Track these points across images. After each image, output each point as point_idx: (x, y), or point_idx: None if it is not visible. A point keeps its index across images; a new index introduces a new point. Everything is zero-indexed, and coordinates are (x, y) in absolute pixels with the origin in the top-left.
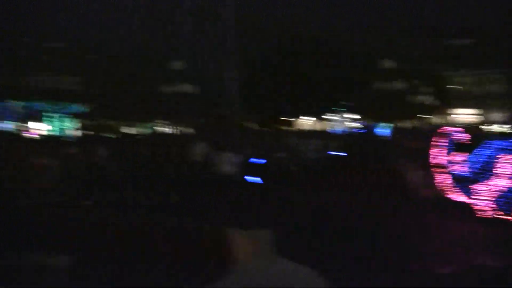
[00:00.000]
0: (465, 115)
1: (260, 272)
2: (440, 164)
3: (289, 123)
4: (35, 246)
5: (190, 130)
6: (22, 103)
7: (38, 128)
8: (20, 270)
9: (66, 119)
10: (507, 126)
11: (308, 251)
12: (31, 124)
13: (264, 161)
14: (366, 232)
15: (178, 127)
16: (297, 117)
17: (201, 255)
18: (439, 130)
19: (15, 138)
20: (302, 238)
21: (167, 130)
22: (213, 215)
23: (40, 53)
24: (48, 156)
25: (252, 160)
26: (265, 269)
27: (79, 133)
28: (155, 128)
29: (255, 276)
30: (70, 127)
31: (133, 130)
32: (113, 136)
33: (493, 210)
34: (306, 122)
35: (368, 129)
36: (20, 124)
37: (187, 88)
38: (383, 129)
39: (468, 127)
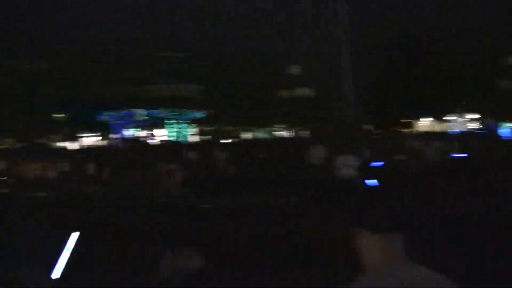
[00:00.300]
0: None
1: (392, 277)
2: None
3: (409, 125)
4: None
5: (309, 134)
6: (145, 111)
7: (161, 135)
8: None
9: (187, 125)
10: None
11: (436, 256)
12: (155, 131)
13: (381, 163)
14: (496, 237)
15: (297, 131)
16: (417, 118)
17: (333, 258)
18: None
19: (140, 144)
20: (430, 242)
21: (286, 134)
22: (336, 219)
23: (162, 63)
24: (171, 161)
25: (373, 163)
26: (397, 274)
27: (199, 138)
28: (275, 132)
29: (387, 280)
30: (191, 133)
31: (253, 135)
32: (233, 140)
33: None
34: (426, 123)
35: (490, 129)
36: (145, 130)
37: (306, 92)
38: (506, 129)
39: None
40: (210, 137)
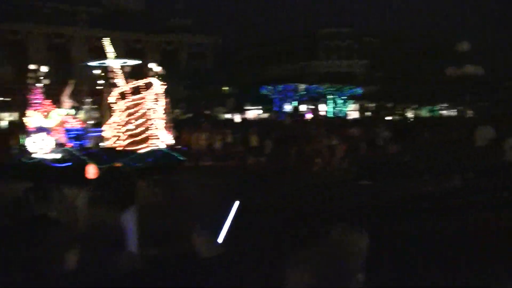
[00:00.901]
0: None
1: None
2: None
3: None
4: None
5: (474, 114)
6: (306, 86)
7: (321, 110)
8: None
9: (347, 101)
10: None
11: None
12: (314, 106)
13: None
14: None
15: (460, 111)
16: None
17: None
18: None
19: (300, 118)
20: None
21: (450, 113)
22: None
23: (327, 38)
24: (332, 136)
25: None
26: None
27: (358, 114)
28: (439, 111)
29: None
30: (351, 109)
31: (415, 113)
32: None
33: None
34: None
35: None
36: (305, 105)
37: (473, 70)
38: None
39: None
40: (371, 113)
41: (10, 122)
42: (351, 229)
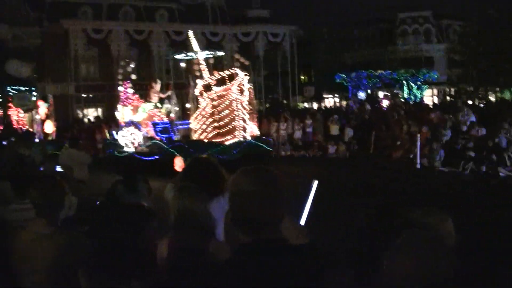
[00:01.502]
0: None
1: None
2: None
3: None
4: None
5: None
6: (382, 72)
7: (397, 96)
8: None
9: (424, 86)
10: None
11: None
12: (390, 92)
13: None
14: None
15: None
16: None
17: None
18: None
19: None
20: None
21: None
22: None
23: (404, 23)
24: (412, 122)
25: None
26: None
27: (437, 99)
28: None
29: None
30: (428, 94)
31: (498, 97)
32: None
33: None
34: None
35: None
36: (381, 91)
37: None
38: None
39: None
40: (451, 98)
41: (96, 117)
42: (438, 213)
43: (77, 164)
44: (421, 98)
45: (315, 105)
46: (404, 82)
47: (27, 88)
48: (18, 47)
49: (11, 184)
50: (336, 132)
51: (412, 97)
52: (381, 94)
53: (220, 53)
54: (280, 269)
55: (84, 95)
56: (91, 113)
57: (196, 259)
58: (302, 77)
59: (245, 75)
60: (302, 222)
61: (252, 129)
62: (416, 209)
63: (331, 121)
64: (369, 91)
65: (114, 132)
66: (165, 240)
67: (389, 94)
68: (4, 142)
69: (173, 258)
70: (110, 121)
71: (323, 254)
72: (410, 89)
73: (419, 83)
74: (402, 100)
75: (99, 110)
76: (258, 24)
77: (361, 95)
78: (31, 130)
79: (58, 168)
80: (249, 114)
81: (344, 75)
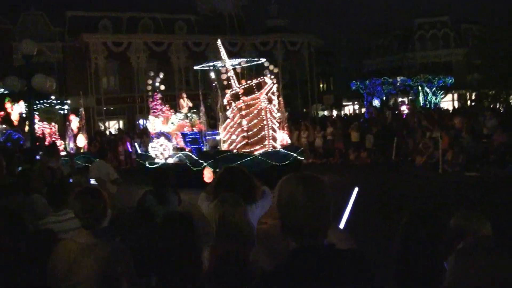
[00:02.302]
0: None
1: None
2: None
3: None
4: None
5: None
6: (399, 79)
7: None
8: None
9: (441, 92)
10: None
11: None
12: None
13: None
14: None
15: None
16: None
17: None
18: None
19: (395, 112)
20: None
21: None
22: None
23: (422, 29)
24: (432, 128)
25: None
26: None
27: (456, 104)
28: None
29: None
30: (445, 99)
31: None
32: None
33: None
34: None
35: None
36: (399, 98)
37: None
38: None
39: None
40: (472, 102)
41: (118, 129)
42: (477, 216)
43: (105, 175)
44: (437, 104)
45: (334, 113)
46: (419, 88)
47: (58, 101)
48: (41, 62)
49: (47, 196)
50: (357, 139)
51: (428, 103)
52: (398, 100)
53: (258, 61)
54: (334, 273)
55: (105, 108)
56: (112, 125)
57: (240, 267)
58: (321, 85)
59: (273, 83)
60: (341, 226)
61: (284, 138)
62: (455, 213)
63: (352, 128)
64: (384, 98)
65: (136, 144)
66: (208, 249)
67: (405, 100)
68: (38, 157)
69: (218, 267)
70: (131, 133)
71: (372, 259)
72: (425, 94)
73: (434, 89)
74: (420, 106)
75: (121, 122)
76: (277, 33)
77: (376, 102)
78: (56, 142)
79: (92, 181)
80: (278, 123)
81: (358, 83)
